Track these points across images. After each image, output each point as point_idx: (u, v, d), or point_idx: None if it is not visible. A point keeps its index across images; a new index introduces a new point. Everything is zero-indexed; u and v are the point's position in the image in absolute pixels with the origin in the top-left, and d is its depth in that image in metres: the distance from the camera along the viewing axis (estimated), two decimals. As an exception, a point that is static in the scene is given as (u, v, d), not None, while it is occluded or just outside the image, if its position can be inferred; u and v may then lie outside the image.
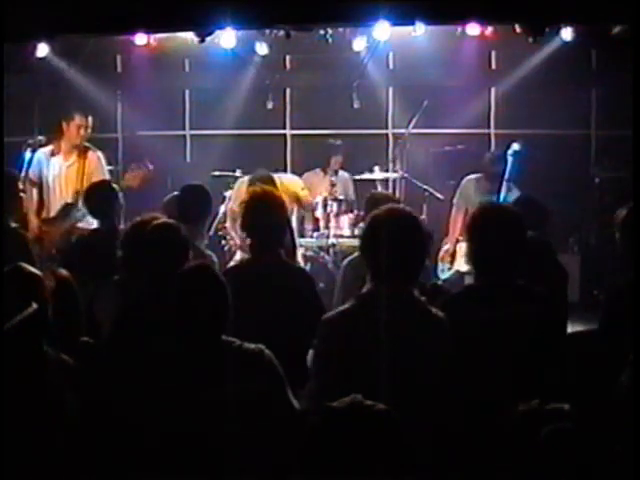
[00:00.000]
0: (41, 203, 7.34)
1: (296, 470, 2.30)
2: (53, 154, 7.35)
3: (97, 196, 6.06)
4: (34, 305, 3.32)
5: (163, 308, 3.96)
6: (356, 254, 5.25)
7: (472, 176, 7.66)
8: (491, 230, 3.93)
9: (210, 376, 3.44)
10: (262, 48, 8.61)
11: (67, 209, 7.04)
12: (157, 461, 3.41)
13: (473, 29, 7.57)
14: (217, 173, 8.02)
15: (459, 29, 7.97)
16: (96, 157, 7.33)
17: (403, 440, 2.26)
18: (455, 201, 7.71)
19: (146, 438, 3.46)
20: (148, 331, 3.97)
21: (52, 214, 7.22)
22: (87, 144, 7.33)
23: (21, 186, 6.36)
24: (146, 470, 3.40)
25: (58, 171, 7.30)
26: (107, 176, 7.33)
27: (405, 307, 3.59)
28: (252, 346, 3.55)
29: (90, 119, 7.31)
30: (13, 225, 5.72)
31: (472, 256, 3.96)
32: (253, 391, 3.42)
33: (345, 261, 5.69)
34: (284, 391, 3.58)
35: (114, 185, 6.30)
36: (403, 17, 6.92)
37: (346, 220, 7.67)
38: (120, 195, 6.12)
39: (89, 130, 7.32)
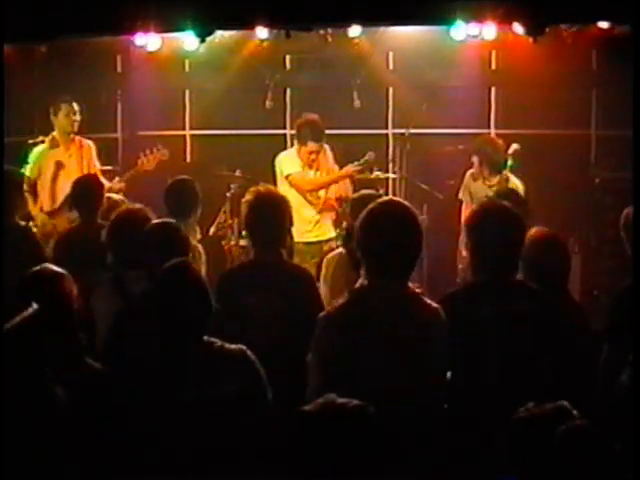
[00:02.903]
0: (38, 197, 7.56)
1: (279, 474, 2.29)
2: (52, 147, 7.62)
3: (85, 190, 6.09)
4: (34, 305, 3.32)
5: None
6: (336, 251, 5.33)
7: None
8: (490, 228, 3.94)
9: (190, 376, 3.45)
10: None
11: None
12: (139, 460, 3.42)
13: (473, 29, 7.56)
14: (217, 173, 8.02)
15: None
16: (89, 146, 7.75)
17: (380, 433, 2.25)
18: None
19: (130, 438, 3.47)
20: (145, 332, 3.98)
21: (56, 205, 7.45)
22: (78, 136, 7.71)
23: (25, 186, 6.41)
24: (127, 468, 3.41)
25: (59, 162, 7.55)
26: (98, 165, 7.74)
27: (399, 301, 3.59)
28: (233, 347, 3.55)
29: (75, 105, 7.65)
30: (21, 223, 5.75)
31: (471, 254, 3.97)
32: (233, 392, 3.43)
33: (325, 259, 5.64)
34: (264, 394, 3.58)
35: (103, 179, 6.39)
36: (402, 18, 6.93)
37: (346, 220, 7.67)
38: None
39: (78, 115, 7.66)
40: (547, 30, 6.73)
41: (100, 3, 6.50)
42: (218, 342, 3.55)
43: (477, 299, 3.87)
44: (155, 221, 4.76)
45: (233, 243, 7.38)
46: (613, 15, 6.63)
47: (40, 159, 7.58)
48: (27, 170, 7.50)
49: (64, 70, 8.53)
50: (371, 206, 3.69)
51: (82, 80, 8.64)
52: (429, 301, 3.67)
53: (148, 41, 7.57)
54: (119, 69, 9.47)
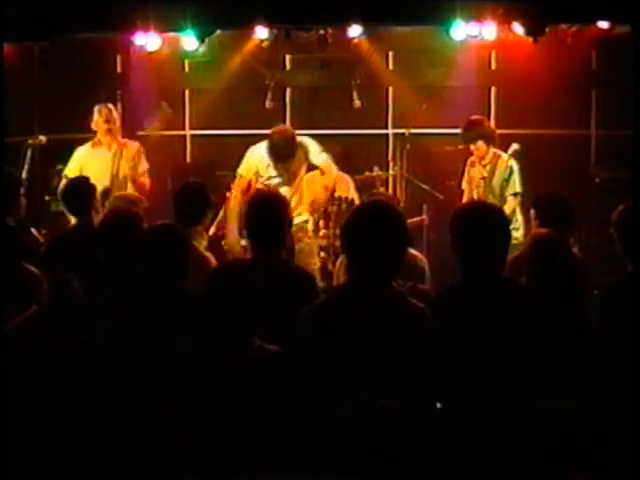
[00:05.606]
0: None
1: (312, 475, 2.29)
2: (94, 146, 7.68)
3: (75, 193, 6.09)
4: (34, 306, 3.32)
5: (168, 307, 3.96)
6: None
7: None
8: (475, 227, 3.93)
9: (230, 375, 3.45)
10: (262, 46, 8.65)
11: (105, 195, 7.15)
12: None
13: (473, 29, 7.57)
14: (217, 173, 8.02)
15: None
16: (132, 148, 7.68)
17: (416, 435, 2.25)
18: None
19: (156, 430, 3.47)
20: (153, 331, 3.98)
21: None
22: (125, 139, 7.76)
23: (22, 190, 6.39)
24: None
25: (102, 161, 7.54)
26: (146, 166, 7.69)
27: (383, 300, 3.59)
28: (272, 347, 3.56)
29: (110, 106, 7.71)
30: (12, 224, 5.72)
31: (458, 254, 3.97)
32: (269, 392, 3.41)
33: (339, 259, 5.68)
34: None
35: (92, 182, 6.38)
36: (402, 18, 6.94)
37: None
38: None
39: (114, 114, 7.70)
40: (547, 30, 6.74)
41: (100, 3, 6.51)
42: (257, 342, 3.56)
43: (466, 299, 3.87)
44: (156, 225, 4.71)
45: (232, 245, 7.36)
46: (613, 15, 6.64)
47: (82, 159, 7.64)
48: (68, 170, 7.55)
49: (64, 70, 8.54)
50: (355, 208, 3.71)
51: (82, 80, 8.64)
52: (414, 301, 3.67)
53: (148, 41, 7.58)
54: (119, 69, 9.46)
